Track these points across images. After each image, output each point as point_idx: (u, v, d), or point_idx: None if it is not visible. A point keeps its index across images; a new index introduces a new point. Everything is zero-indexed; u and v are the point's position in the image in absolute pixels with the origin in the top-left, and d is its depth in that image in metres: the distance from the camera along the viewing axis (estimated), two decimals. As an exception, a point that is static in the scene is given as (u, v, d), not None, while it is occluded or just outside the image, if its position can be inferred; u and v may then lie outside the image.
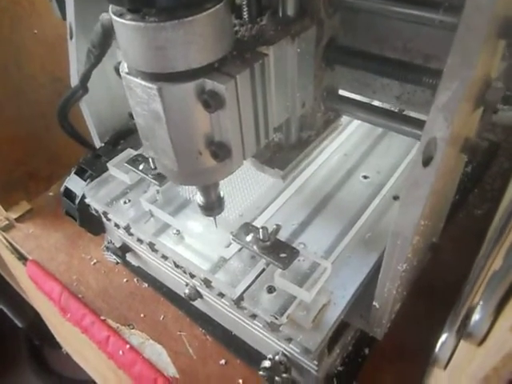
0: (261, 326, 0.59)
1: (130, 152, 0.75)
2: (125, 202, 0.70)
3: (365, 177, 0.71)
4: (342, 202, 0.67)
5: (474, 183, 0.91)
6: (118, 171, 0.72)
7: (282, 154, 0.54)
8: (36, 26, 0.91)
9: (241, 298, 0.57)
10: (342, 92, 0.56)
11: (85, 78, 0.62)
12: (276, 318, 0.53)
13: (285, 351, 0.59)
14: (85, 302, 0.80)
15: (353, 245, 0.62)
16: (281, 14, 0.44)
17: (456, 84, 0.34)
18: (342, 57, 0.49)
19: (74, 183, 0.73)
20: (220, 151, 0.42)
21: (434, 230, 0.56)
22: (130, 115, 0.48)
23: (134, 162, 0.71)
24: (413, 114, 0.52)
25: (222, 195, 0.55)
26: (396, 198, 0.69)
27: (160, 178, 0.67)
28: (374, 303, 0.52)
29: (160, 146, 0.44)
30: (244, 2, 0.42)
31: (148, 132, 0.44)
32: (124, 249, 0.77)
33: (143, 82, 0.39)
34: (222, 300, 0.62)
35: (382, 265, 0.49)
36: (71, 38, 0.65)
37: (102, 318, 0.78)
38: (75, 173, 0.73)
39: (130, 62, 0.40)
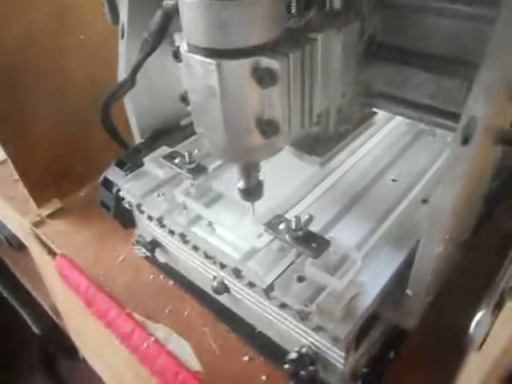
0: (290, 316, 0.59)
1: (165, 149, 0.78)
2: (158, 195, 0.72)
3: (394, 180, 0.72)
4: (372, 201, 0.69)
5: (500, 197, 0.91)
6: (154, 166, 0.75)
7: (320, 144, 0.58)
8: (82, 32, 0.96)
9: (271, 287, 0.58)
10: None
11: (136, 69, 0.66)
12: (306, 306, 0.54)
13: (312, 345, 0.59)
14: (111, 296, 0.82)
15: (382, 242, 0.63)
16: (328, 8, 0.48)
17: (498, 64, 0.36)
18: (382, 52, 0.53)
19: (114, 174, 0.76)
20: (268, 128, 0.46)
21: (466, 224, 0.57)
22: (182, 98, 0.51)
23: (169, 157, 0.74)
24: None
25: (261, 180, 0.57)
26: (425, 201, 0.70)
27: (194, 172, 0.70)
28: (408, 291, 0.53)
29: (211, 121, 0.47)
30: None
31: (201, 108, 0.47)
32: (154, 243, 0.79)
33: (203, 58, 0.43)
34: (251, 291, 0.63)
35: (419, 247, 0.50)
36: (122, 37, 0.70)
37: (128, 311, 0.79)
38: (115, 164, 0.76)
39: (191, 40, 0.44)
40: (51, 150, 1.01)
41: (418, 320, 0.57)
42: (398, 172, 0.73)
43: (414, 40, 0.52)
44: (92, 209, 1.03)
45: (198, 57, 0.43)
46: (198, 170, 0.70)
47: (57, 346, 1.75)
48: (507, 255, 0.74)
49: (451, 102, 0.54)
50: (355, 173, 0.73)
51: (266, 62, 0.42)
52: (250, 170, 0.55)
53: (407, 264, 0.61)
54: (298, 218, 0.57)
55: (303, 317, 0.55)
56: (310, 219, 0.57)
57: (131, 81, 0.67)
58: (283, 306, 0.58)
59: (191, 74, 0.45)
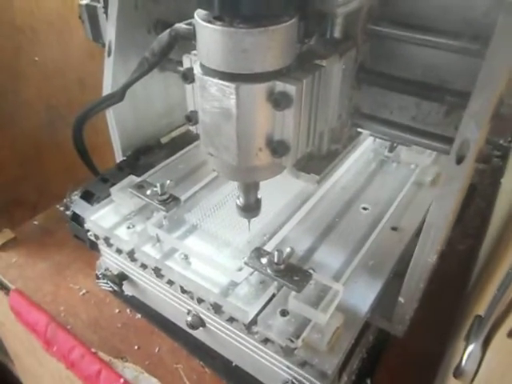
0: (272, 351, 0.58)
1: (133, 178, 0.75)
2: (128, 227, 0.69)
3: (364, 208, 0.74)
4: (346, 230, 0.70)
5: (457, 221, 0.96)
6: (122, 196, 0.72)
7: (314, 163, 0.61)
8: (37, 54, 0.92)
9: (253, 321, 0.57)
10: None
11: (128, 85, 0.65)
12: (292, 341, 0.53)
13: (295, 379, 0.59)
14: (74, 334, 0.77)
15: (358, 271, 0.64)
16: (328, 36, 0.52)
17: (486, 94, 0.41)
18: (370, 77, 0.57)
19: (97, 187, 0.75)
20: (279, 148, 0.48)
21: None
22: (187, 117, 0.51)
23: (138, 188, 0.71)
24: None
25: (260, 198, 0.59)
26: (394, 228, 0.72)
27: (167, 204, 0.68)
28: (400, 298, 0.57)
29: (224, 142, 0.48)
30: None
31: (213, 129, 0.48)
32: (121, 276, 0.75)
33: (221, 82, 0.44)
34: (232, 326, 0.61)
35: (413, 257, 0.54)
36: (109, 55, 0.71)
37: (93, 350, 0.74)
38: (100, 180, 0.76)
39: (209, 64, 0.44)
40: (1, 175, 0.95)
41: (406, 326, 0.59)
42: (367, 200, 0.75)
43: (397, 67, 0.56)
44: (47, 238, 0.97)
45: (215, 80, 0.44)
46: (170, 201, 0.68)
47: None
48: (469, 276, 0.78)
49: (431, 125, 0.58)
50: (328, 201, 0.75)
51: (281, 86, 0.44)
52: (250, 188, 0.56)
53: (385, 292, 0.62)
54: (280, 251, 0.56)
55: (288, 352, 0.55)
56: (292, 252, 0.57)
57: (120, 95, 0.66)
58: (266, 341, 0.57)
59: (205, 96, 0.46)
